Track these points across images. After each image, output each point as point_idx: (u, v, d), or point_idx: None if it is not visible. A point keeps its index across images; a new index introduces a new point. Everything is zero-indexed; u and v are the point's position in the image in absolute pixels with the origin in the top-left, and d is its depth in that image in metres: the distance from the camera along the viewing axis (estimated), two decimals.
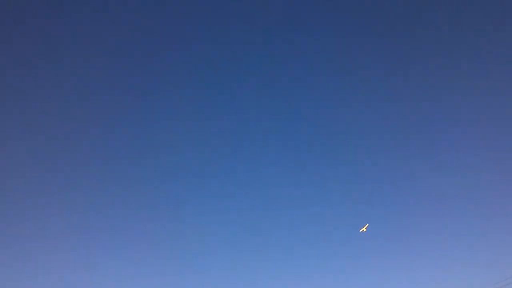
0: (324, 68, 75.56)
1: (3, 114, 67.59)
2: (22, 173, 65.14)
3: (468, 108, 68.93)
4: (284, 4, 75.47)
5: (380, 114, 72.28)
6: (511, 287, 53.07)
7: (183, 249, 63.32)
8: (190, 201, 68.52)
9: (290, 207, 68.00)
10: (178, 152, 71.81)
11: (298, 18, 75.66)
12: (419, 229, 62.96)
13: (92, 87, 72.22)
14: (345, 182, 67.75)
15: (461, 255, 59.10)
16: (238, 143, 73.54)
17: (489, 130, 66.98)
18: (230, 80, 76.27)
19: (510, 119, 65.75)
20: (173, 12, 75.05)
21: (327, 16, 75.65)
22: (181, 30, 75.29)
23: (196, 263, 62.11)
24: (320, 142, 73.09)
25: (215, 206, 68.15)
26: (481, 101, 68.28)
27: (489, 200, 62.20)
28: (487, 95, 68.20)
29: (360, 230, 59.54)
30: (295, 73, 75.60)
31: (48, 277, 57.41)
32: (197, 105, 74.67)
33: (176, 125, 73.09)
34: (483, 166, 64.75)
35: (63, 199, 64.78)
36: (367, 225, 59.37)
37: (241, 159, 72.54)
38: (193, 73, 75.48)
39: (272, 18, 75.49)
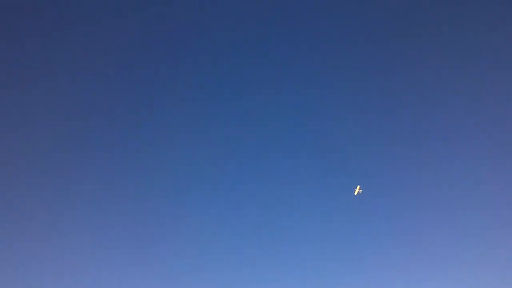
0: (325, 70, 75.70)
1: (3, 114, 67.51)
2: (22, 174, 65.06)
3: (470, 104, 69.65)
4: (285, 5, 75.68)
5: (380, 111, 72.53)
6: None
7: (184, 250, 63.43)
8: (191, 202, 68.59)
9: (292, 207, 68.07)
10: (179, 151, 71.85)
11: (300, 19, 75.84)
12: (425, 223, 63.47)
13: (94, 89, 72.25)
14: (348, 186, 67.87)
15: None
16: (238, 144, 73.57)
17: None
18: (231, 81, 76.33)
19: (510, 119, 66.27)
20: (174, 13, 75.13)
21: (329, 17, 75.83)
22: (183, 31, 75.37)
23: (197, 264, 62.20)
24: (321, 141, 73.11)
25: (216, 206, 68.24)
26: (482, 100, 68.74)
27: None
28: (487, 95, 68.62)
29: (355, 193, 58.86)
30: (296, 75, 75.72)
31: (48, 277, 57.36)
32: (197, 105, 74.73)
33: (177, 126, 73.15)
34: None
35: (62, 199, 64.79)
36: (358, 186, 58.68)
37: (241, 158, 72.59)
38: (194, 74, 75.59)
39: (273, 19, 75.67)
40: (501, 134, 65.48)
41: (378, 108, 72.39)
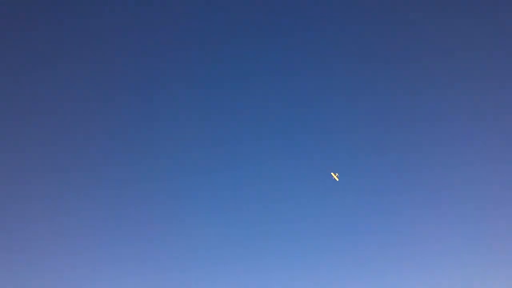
0: (325, 66, 75.84)
1: (3, 114, 67.65)
2: (22, 174, 65.18)
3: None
4: (284, 2, 75.83)
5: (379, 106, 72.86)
6: None
7: (183, 249, 63.53)
8: (190, 200, 68.69)
9: (291, 208, 68.20)
10: (178, 150, 71.96)
11: (298, 16, 75.99)
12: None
13: (92, 86, 72.36)
14: (347, 184, 68.00)
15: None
16: (236, 142, 73.70)
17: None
18: (230, 79, 76.48)
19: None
20: (174, 10, 75.21)
21: (328, 14, 76.00)
22: (183, 28, 75.51)
23: (196, 263, 62.32)
24: (319, 139, 73.15)
25: (214, 205, 68.38)
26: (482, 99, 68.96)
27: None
28: (487, 94, 68.81)
29: (336, 179, 59.42)
30: (294, 71, 75.83)
31: (47, 276, 57.44)
32: (197, 103, 74.88)
33: (176, 123, 73.27)
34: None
35: (62, 198, 64.88)
36: (333, 173, 59.22)
37: (239, 157, 72.72)
38: (193, 71, 75.74)
39: (272, 16, 75.81)
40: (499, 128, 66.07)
41: (377, 103, 72.74)
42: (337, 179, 59.81)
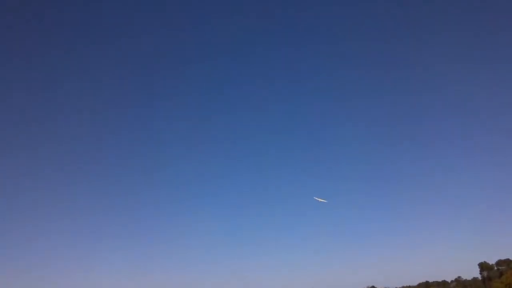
0: (323, 67, 76.25)
1: (5, 114, 68.63)
2: (23, 173, 66.12)
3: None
4: (281, 6, 76.35)
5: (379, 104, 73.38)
6: None
7: (182, 248, 64.22)
8: (189, 200, 69.43)
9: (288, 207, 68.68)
10: (177, 151, 72.70)
11: (298, 22, 76.52)
12: None
13: (93, 89, 73.31)
14: (347, 184, 68.64)
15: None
16: (234, 144, 74.43)
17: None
18: (228, 82, 77.23)
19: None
20: (173, 14, 75.87)
21: (325, 18, 76.39)
22: (182, 32, 76.18)
23: (194, 261, 62.96)
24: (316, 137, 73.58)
25: (211, 204, 69.06)
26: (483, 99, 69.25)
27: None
28: (488, 94, 68.98)
29: (323, 200, 61.89)
30: (290, 75, 76.49)
31: (47, 276, 58.33)
32: (196, 106, 75.64)
33: (176, 126, 74.08)
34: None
35: (62, 198, 65.90)
36: (320, 199, 61.55)
37: (237, 158, 73.40)
38: (192, 76, 76.52)
39: (270, 19, 76.22)
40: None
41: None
42: (324, 201, 62.44)
